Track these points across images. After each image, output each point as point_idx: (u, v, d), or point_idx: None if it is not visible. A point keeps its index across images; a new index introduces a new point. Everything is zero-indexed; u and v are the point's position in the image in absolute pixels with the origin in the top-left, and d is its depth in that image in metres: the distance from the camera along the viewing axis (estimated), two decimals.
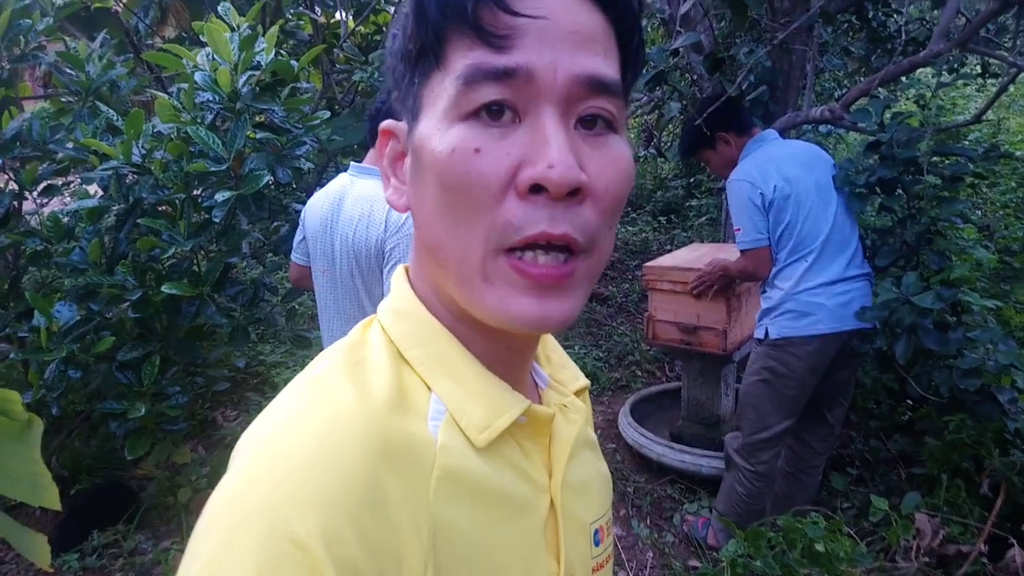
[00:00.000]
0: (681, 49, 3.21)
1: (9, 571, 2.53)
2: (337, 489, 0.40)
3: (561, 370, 0.63)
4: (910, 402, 3.00)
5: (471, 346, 0.52)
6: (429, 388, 0.50)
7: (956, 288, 2.25)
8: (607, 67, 0.46)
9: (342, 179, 2.06)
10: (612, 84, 0.46)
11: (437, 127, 0.46)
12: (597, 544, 0.59)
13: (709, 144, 2.53)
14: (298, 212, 2.33)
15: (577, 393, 0.62)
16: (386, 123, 0.54)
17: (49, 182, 2.57)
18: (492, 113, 0.44)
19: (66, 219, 2.46)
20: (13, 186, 2.53)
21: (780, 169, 2.35)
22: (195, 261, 2.45)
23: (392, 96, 0.53)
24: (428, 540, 0.43)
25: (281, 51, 3.93)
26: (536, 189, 0.43)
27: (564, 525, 0.53)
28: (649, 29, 4.75)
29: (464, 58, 0.44)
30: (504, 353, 0.53)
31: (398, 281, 0.56)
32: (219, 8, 2.44)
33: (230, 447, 0.47)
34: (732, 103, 2.51)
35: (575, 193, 0.44)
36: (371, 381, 0.48)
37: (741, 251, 2.43)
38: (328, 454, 0.41)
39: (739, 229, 2.39)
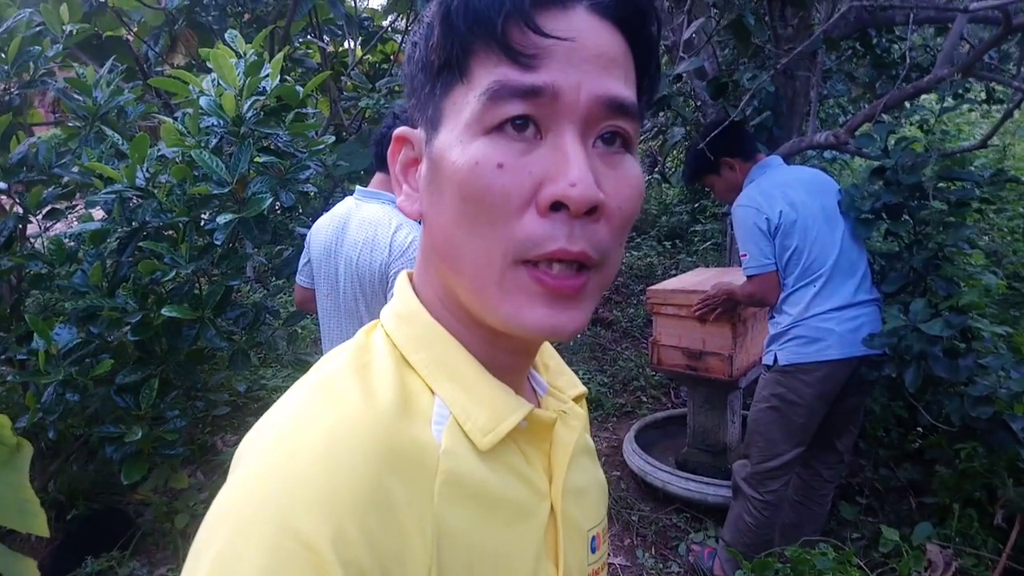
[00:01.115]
0: (684, 74, 3.22)
1: None
2: (345, 491, 0.41)
3: (559, 376, 0.64)
4: (920, 430, 2.95)
5: (474, 351, 0.52)
6: (432, 392, 0.50)
7: (965, 315, 2.22)
8: (626, 89, 0.48)
9: (348, 203, 2.05)
10: (631, 106, 0.48)
11: (459, 139, 0.47)
12: (594, 551, 0.59)
13: (714, 170, 2.52)
14: (303, 236, 2.32)
15: (575, 400, 0.62)
16: (400, 130, 0.54)
17: (54, 206, 2.58)
18: (517, 127, 0.45)
19: (69, 242, 2.46)
20: (18, 210, 2.54)
21: (785, 195, 2.34)
22: (197, 284, 2.44)
23: (409, 103, 0.54)
24: (432, 543, 0.44)
25: (288, 78, 3.96)
26: (556, 206, 0.45)
27: (563, 531, 0.54)
28: None
29: (490, 74, 0.45)
30: (506, 358, 0.54)
31: (402, 286, 0.57)
32: (226, 35, 2.46)
33: (229, 473, 0.46)
34: (736, 129, 2.51)
35: (592, 211, 0.45)
36: (376, 385, 0.48)
37: (748, 277, 2.40)
38: (336, 456, 0.42)
39: (745, 255, 2.37)
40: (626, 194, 0.48)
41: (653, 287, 3.03)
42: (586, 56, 0.46)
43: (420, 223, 0.55)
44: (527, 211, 0.45)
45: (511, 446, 0.52)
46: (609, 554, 2.71)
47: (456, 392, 0.50)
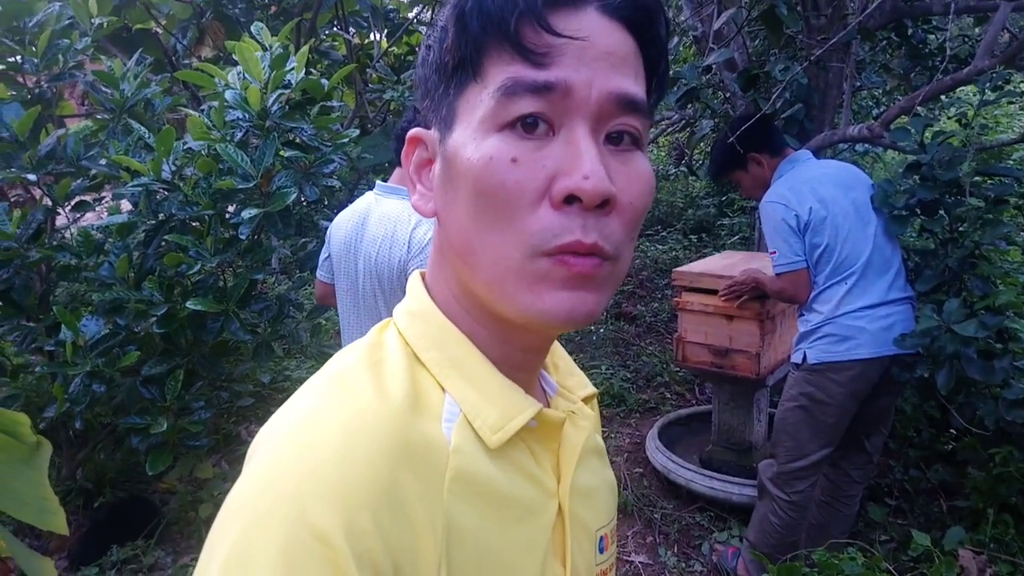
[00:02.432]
0: (714, 66, 3.16)
1: None
2: (358, 485, 0.41)
3: (568, 377, 0.64)
4: (953, 431, 2.87)
5: (486, 349, 0.53)
6: (443, 390, 0.51)
7: (1002, 315, 2.15)
8: (636, 87, 0.49)
9: (368, 198, 2.04)
10: (641, 103, 0.48)
11: (473, 136, 0.47)
12: (602, 551, 0.60)
13: (741, 165, 2.47)
14: (327, 229, 2.33)
15: (585, 400, 0.62)
16: (414, 131, 0.55)
17: (82, 198, 2.61)
18: (527, 126, 0.46)
19: (97, 234, 2.48)
20: (47, 201, 2.57)
21: (815, 190, 2.28)
22: (222, 277, 2.45)
23: (423, 105, 0.54)
24: (442, 538, 0.44)
25: (314, 71, 3.96)
26: (570, 200, 0.45)
27: (571, 530, 0.54)
28: (681, 47, 4.71)
29: (503, 72, 0.46)
30: (519, 356, 0.54)
31: (414, 285, 0.57)
32: (252, 28, 2.46)
33: None
34: (765, 123, 2.45)
35: (604, 204, 0.46)
36: (388, 382, 0.49)
37: (777, 274, 2.35)
38: (349, 451, 0.43)
39: (774, 252, 2.32)
40: (637, 189, 0.49)
41: (679, 268, 2.98)
42: (597, 54, 0.47)
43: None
44: (541, 205, 0.46)
45: (520, 445, 0.53)
46: (630, 553, 2.66)
47: (466, 390, 0.51)
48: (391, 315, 0.58)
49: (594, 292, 0.48)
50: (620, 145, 0.49)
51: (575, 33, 0.46)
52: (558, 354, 0.65)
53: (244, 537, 0.40)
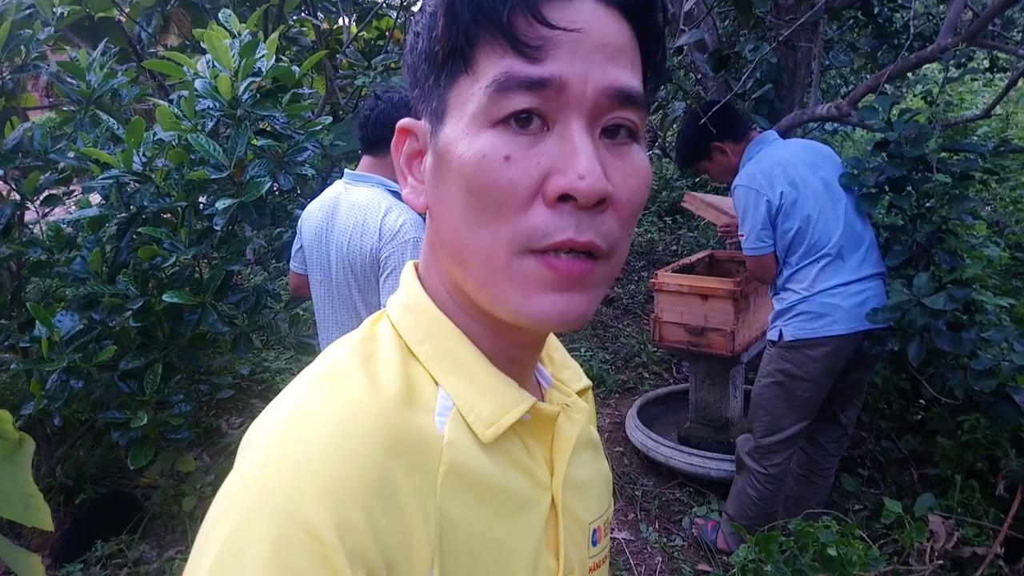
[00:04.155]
0: (685, 47, 3.18)
1: None
2: (350, 479, 0.41)
3: (563, 370, 0.63)
4: (922, 402, 2.96)
5: (480, 343, 0.52)
6: (437, 383, 0.50)
7: (968, 287, 2.21)
8: (633, 78, 0.47)
9: (337, 187, 2.03)
10: (637, 96, 0.47)
11: (465, 132, 0.46)
12: (595, 544, 0.59)
13: (706, 155, 2.50)
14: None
15: (580, 393, 0.62)
16: (404, 121, 0.53)
17: (51, 191, 2.56)
18: (521, 121, 0.45)
19: (68, 228, 2.45)
20: (15, 196, 2.52)
21: (786, 172, 2.32)
22: (197, 269, 2.43)
23: (412, 94, 0.53)
24: (435, 533, 0.44)
25: (283, 57, 3.91)
26: (564, 198, 0.44)
27: (564, 523, 0.54)
28: None
29: (495, 66, 0.45)
30: (512, 351, 0.53)
31: (408, 277, 0.57)
32: (220, 15, 2.42)
33: (235, 455, 0.47)
34: (724, 111, 2.48)
35: (600, 203, 0.45)
36: (381, 375, 0.48)
37: (746, 256, 2.41)
38: (341, 445, 0.42)
39: (743, 235, 2.37)
40: (634, 185, 0.47)
41: (692, 193, 3.08)
42: (592, 46, 0.45)
43: (425, 215, 0.54)
44: (534, 203, 0.45)
45: (513, 438, 0.52)
46: (613, 530, 2.72)
47: (460, 384, 0.50)
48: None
49: (586, 293, 0.47)
50: (616, 139, 0.47)
51: (569, 24, 0.44)
52: (553, 347, 0.65)
53: (235, 532, 0.39)
